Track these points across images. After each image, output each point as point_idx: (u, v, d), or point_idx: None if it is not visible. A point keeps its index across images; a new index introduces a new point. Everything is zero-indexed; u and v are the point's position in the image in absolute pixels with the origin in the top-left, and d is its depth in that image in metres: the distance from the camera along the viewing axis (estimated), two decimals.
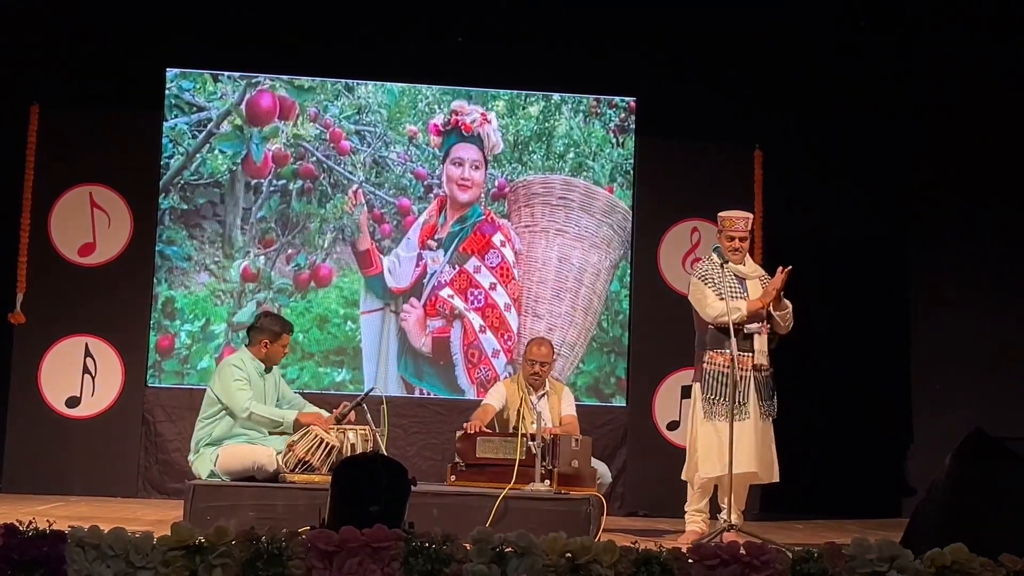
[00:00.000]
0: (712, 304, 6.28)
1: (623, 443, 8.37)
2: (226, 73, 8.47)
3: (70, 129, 8.30)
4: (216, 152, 8.42)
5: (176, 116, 8.41)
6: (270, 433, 6.30)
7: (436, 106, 8.58)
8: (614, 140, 8.65)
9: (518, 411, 6.61)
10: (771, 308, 6.33)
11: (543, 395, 6.85)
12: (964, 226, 8.54)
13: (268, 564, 3.13)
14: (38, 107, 8.23)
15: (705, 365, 6.34)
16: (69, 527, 3.23)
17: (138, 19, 8.30)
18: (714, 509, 6.49)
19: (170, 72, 8.41)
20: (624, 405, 8.47)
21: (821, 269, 8.16)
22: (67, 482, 7.94)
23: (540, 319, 8.51)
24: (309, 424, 6.17)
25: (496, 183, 8.57)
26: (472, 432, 6.41)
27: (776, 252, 7.83)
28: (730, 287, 6.32)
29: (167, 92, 8.39)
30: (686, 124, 8.57)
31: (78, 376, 8.14)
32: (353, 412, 6.35)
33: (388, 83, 8.55)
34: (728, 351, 6.04)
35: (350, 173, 8.50)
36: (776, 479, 6.40)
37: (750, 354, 6.26)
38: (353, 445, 6.08)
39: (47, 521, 3.27)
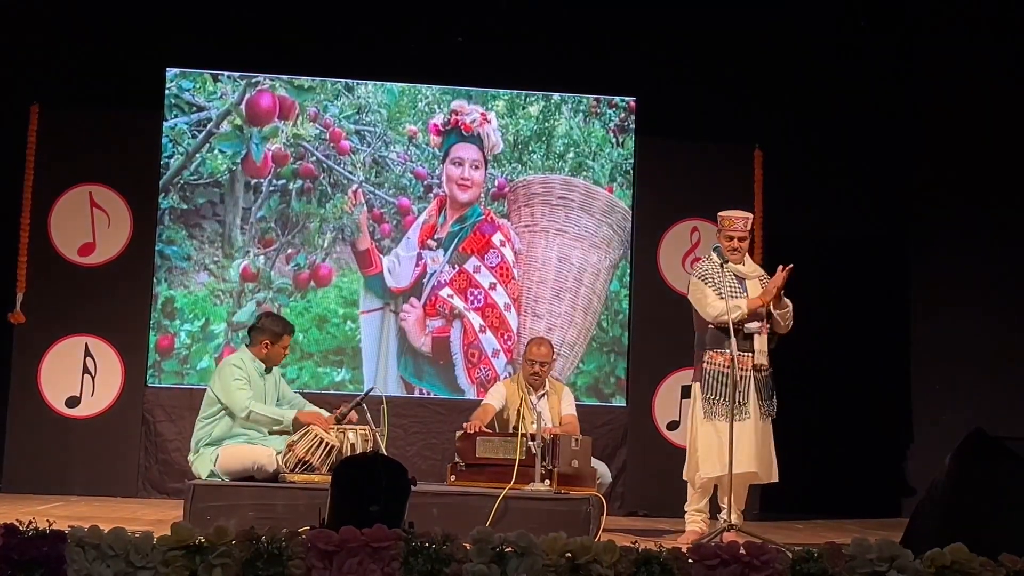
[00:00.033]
0: (712, 303, 6.28)
1: (623, 443, 8.37)
2: (226, 73, 8.47)
3: (70, 129, 8.31)
4: (216, 152, 8.42)
5: (176, 116, 8.41)
6: (270, 432, 6.30)
7: (436, 106, 8.58)
8: (614, 140, 8.66)
9: (518, 411, 6.61)
10: (771, 307, 6.33)
11: (543, 395, 6.85)
12: (964, 226, 8.54)
13: (268, 564, 3.13)
14: (38, 107, 8.23)
15: (705, 365, 6.34)
16: (69, 527, 3.23)
17: (138, 19, 8.30)
18: (714, 509, 6.49)
19: (170, 72, 8.41)
20: (624, 405, 8.47)
21: (821, 269, 8.16)
22: (67, 482, 7.94)
23: (540, 319, 8.51)
24: (308, 423, 6.17)
25: (496, 183, 8.57)
26: (472, 432, 6.41)
27: (776, 252, 7.83)
28: (730, 287, 6.31)
29: (167, 92, 8.39)
30: (686, 124, 8.57)
31: (78, 376, 8.14)
32: (353, 412, 6.35)
33: (388, 83, 8.55)
34: (728, 351, 6.04)
35: (350, 173, 8.50)
36: (775, 479, 6.40)
37: (750, 354, 6.26)
38: (353, 445, 6.08)
39: (47, 521, 3.27)
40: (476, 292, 8.47)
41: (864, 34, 8.75)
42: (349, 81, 8.53)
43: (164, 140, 8.37)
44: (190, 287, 8.35)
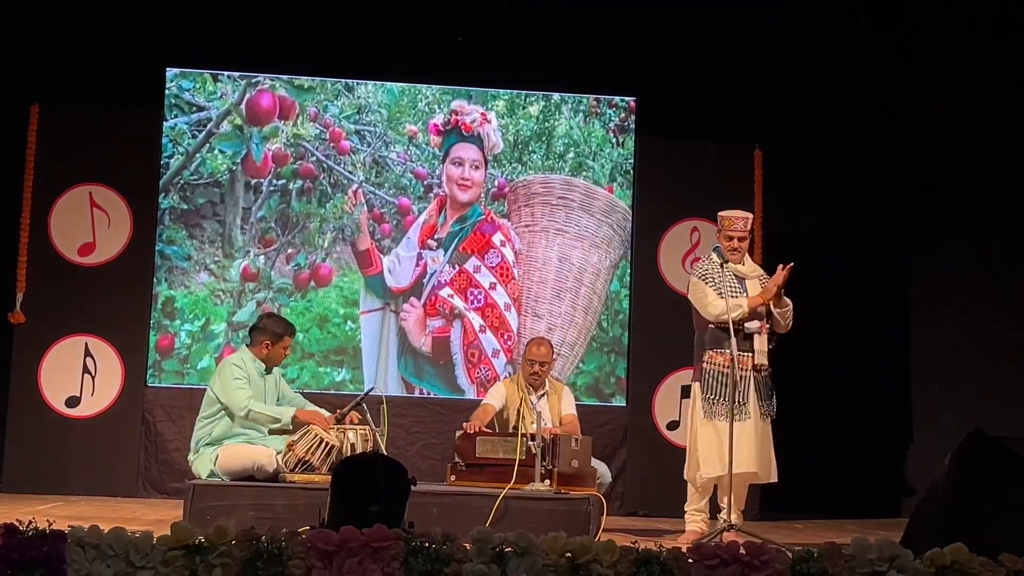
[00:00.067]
0: (713, 302, 6.28)
1: (623, 443, 8.37)
2: (226, 73, 8.47)
3: (70, 129, 8.30)
4: (216, 152, 8.42)
5: (176, 116, 8.41)
6: (270, 432, 6.30)
7: (436, 106, 8.58)
8: (614, 140, 8.66)
9: (518, 411, 6.61)
10: (772, 305, 6.33)
11: (543, 395, 6.85)
12: (964, 226, 8.54)
13: (268, 564, 3.13)
14: (38, 107, 8.23)
15: (705, 365, 6.34)
16: (69, 527, 3.23)
17: (138, 19, 8.30)
18: (714, 509, 6.49)
19: (170, 72, 8.41)
20: (624, 405, 8.47)
21: (821, 269, 8.16)
22: (67, 482, 7.94)
23: (540, 319, 8.51)
24: (308, 421, 6.18)
25: (496, 183, 8.57)
26: (472, 432, 6.41)
27: (776, 252, 7.83)
28: (730, 287, 6.31)
29: (167, 92, 8.39)
30: (686, 124, 8.57)
31: (78, 376, 8.14)
32: (353, 412, 6.35)
33: (388, 83, 8.55)
34: (728, 351, 6.04)
35: (350, 173, 8.50)
36: (775, 479, 6.40)
37: (750, 354, 6.26)
38: (353, 445, 6.08)
39: (47, 521, 3.27)
40: (476, 292, 8.47)
41: (864, 34, 8.75)
42: (349, 81, 8.53)
43: (164, 140, 8.37)
44: (190, 287, 8.35)
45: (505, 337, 8.46)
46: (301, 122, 8.47)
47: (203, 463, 6.22)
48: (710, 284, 6.34)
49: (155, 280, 8.32)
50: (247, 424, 6.25)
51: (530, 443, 6.09)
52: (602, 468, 6.70)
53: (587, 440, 6.41)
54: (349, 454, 5.89)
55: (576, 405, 7.05)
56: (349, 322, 8.41)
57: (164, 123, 8.37)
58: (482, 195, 8.55)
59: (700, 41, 8.60)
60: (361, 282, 8.45)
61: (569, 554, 3.20)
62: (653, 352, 8.37)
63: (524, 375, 6.88)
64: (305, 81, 8.51)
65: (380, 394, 6.76)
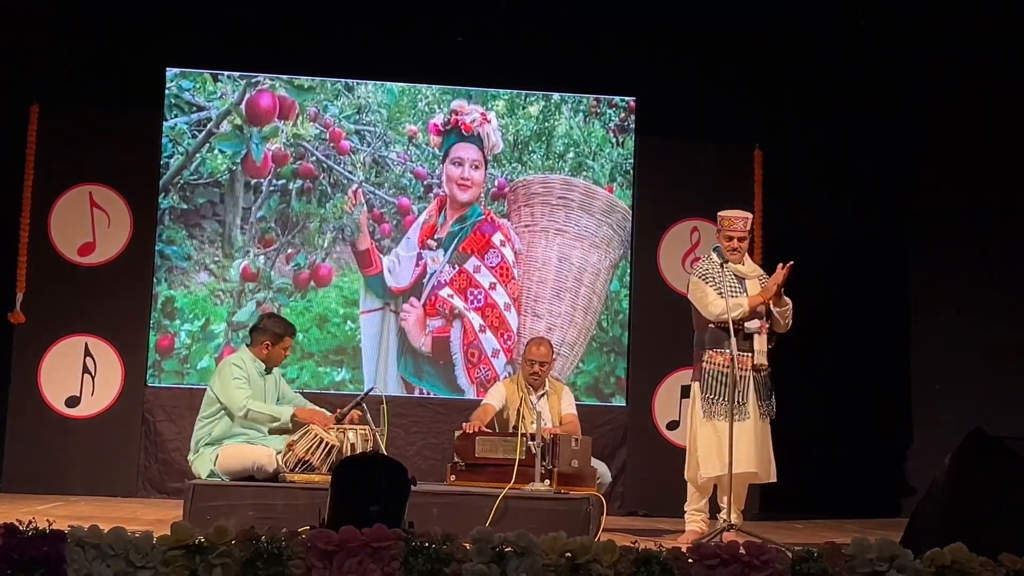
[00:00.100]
0: (713, 302, 6.28)
1: (623, 443, 8.37)
2: (226, 73, 8.47)
3: (70, 129, 8.30)
4: (216, 152, 8.43)
5: (176, 116, 8.41)
6: (270, 431, 6.30)
7: (436, 106, 8.58)
8: (614, 140, 8.66)
9: (518, 411, 6.61)
10: (771, 304, 6.33)
11: (543, 395, 6.85)
12: (964, 226, 8.54)
13: (268, 564, 3.13)
14: (38, 107, 8.23)
15: (704, 365, 6.34)
16: (69, 527, 3.23)
17: (138, 19, 8.30)
18: (714, 509, 6.49)
19: (170, 72, 8.41)
20: (624, 405, 8.47)
21: (821, 269, 8.15)
22: (67, 482, 7.94)
23: (540, 319, 8.51)
24: (306, 419, 6.19)
25: (496, 183, 8.57)
26: (471, 432, 6.41)
27: (776, 252, 7.81)
28: (730, 286, 6.31)
29: (167, 92, 8.39)
30: (686, 124, 8.57)
31: (78, 376, 8.14)
32: (353, 411, 6.35)
33: (388, 83, 8.55)
34: (728, 351, 6.04)
35: (350, 173, 8.50)
36: (774, 479, 6.40)
37: (750, 354, 6.26)
38: (353, 445, 6.08)
39: (47, 521, 3.27)
40: (476, 292, 8.47)
41: (864, 34, 8.75)
42: (349, 81, 8.53)
43: (164, 140, 8.37)
44: (190, 287, 8.35)
45: (505, 337, 8.46)
46: (301, 122, 8.47)
47: (203, 463, 6.22)
48: (710, 284, 6.34)
49: (155, 280, 8.32)
50: (247, 424, 6.25)
51: (530, 443, 6.09)
52: (602, 468, 6.69)
53: (587, 440, 6.41)
54: (349, 454, 5.89)
55: (576, 405, 7.05)
56: (349, 322, 8.41)
57: (164, 123, 8.37)
58: (482, 195, 8.55)
59: (700, 41, 8.60)
60: (361, 282, 8.45)
61: (569, 554, 3.20)
62: (653, 352, 8.37)
63: (524, 375, 6.88)
64: (305, 81, 8.51)
65: (380, 394, 6.76)
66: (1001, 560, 3.29)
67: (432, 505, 5.74)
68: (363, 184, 8.49)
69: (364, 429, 6.18)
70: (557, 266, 8.57)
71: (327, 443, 6.02)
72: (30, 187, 8.17)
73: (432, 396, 8.39)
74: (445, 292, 8.45)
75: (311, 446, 6.02)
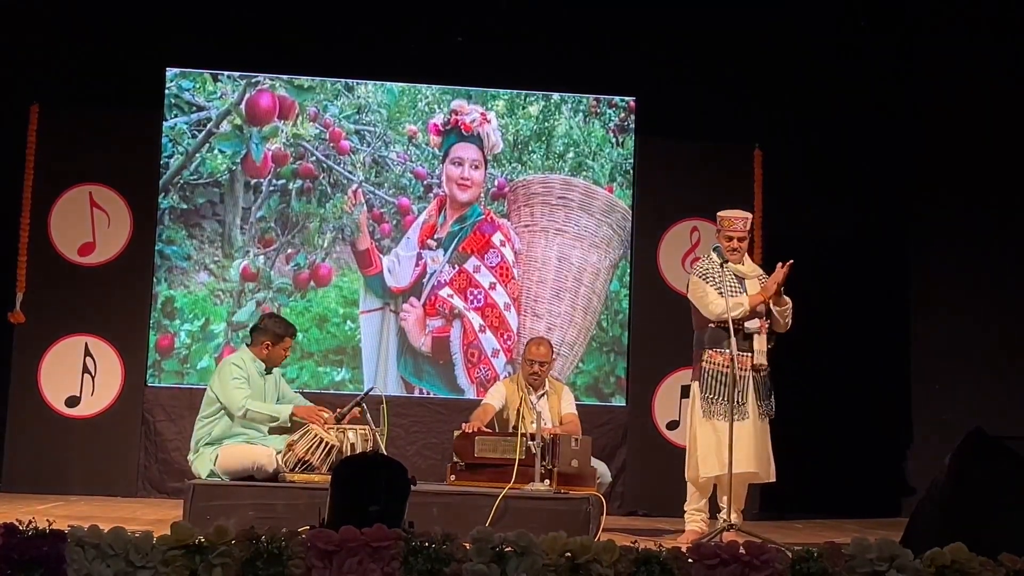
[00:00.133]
0: (714, 301, 6.28)
1: (623, 443, 8.37)
2: (226, 73, 8.47)
3: (70, 129, 8.31)
4: (216, 152, 8.43)
5: (176, 116, 8.41)
6: (270, 431, 6.30)
7: (436, 106, 8.58)
8: (614, 140, 8.66)
9: (518, 411, 6.61)
10: (771, 304, 6.33)
11: (543, 395, 6.85)
12: (964, 226, 8.54)
13: (268, 563, 3.13)
14: (38, 107, 8.23)
15: (704, 364, 6.34)
16: (69, 526, 3.23)
17: (138, 19, 8.30)
18: (713, 509, 6.49)
19: (170, 72, 8.41)
20: (624, 404, 8.47)
21: (821, 269, 8.15)
22: (67, 482, 7.94)
23: (540, 319, 8.51)
24: (305, 416, 6.19)
25: (496, 183, 8.57)
26: (470, 432, 6.41)
27: (776, 252, 7.80)
28: (730, 286, 6.31)
29: (167, 92, 8.39)
30: (686, 124, 8.56)
31: (78, 376, 8.14)
32: (353, 411, 6.35)
33: (388, 83, 8.55)
34: (728, 350, 6.04)
35: (350, 173, 8.50)
36: (773, 479, 6.40)
37: (749, 354, 6.26)
38: (353, 445, 6.08)
39: (47, 520, 3.26)
40: (476, 292, 8.47)
41: (864, 34, 8.74)
42: (349, 81, 8.53)
43: (164, 140, 8.37)
44: (190, 287, 8.35)
45: (505, 337, 8.46)
46: (301, 122, 8.47)
47: (203, 463, 6.22)
48: (710, 283, 6.34)
49: (155, 280, 8.32)
50: (247, 424, 6.26)
51: (530, 443, 6.09)
52: (602, 468, 6.70)
53: (587, 440, 6.41)
54: (349, 454, 5.89)
55: (576, 405, 7.05)
56: (349, 322, 8.41)
57: (164, 123, 8.37)
58: (482, 195, 8.55)
59: (700, 41, 8.60)
60: (361, 282, 8.45)
61: (569, 554, 3.20)
62: (653, 352, 8.37)
63: (524, 375, 6.88)
64: (305, 81, 8.51)
65: (380, 394, 6.77)
66: (1001, 560, 3.29)
67: (432, 505, 5.74)
68: (363, 184, 8.49)
69: (364, 429, 6.18)
70: (557, 266, 8.57)
71: (327, 443, 6.02)
72: (30, 187, 8.17)
73: (432, 396, 8.39)
74: (445, 292, 8.45)
75: (311, 446, 6.02)
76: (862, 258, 8.87)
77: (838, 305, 8.56)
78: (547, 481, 6.04)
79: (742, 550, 3.24)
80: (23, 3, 8.20)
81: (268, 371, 6.47)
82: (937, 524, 3.76)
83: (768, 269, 6.52)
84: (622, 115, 8.67)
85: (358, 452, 5.89)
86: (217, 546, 3.15)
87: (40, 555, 3.12)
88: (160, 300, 8.31)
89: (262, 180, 8.43)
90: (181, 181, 8.38)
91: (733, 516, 6.03)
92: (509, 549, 3.19)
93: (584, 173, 8.62)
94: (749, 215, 6.53)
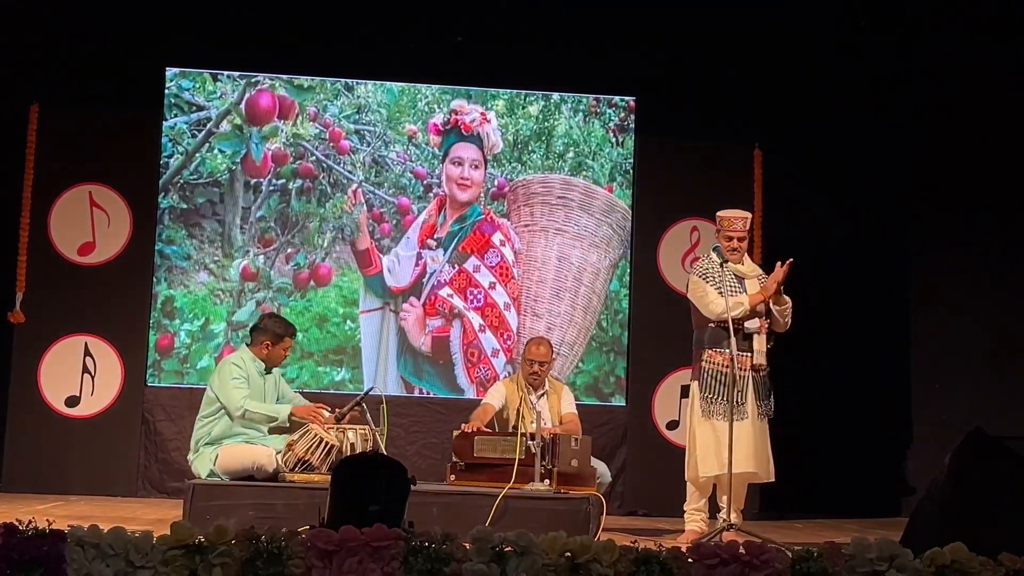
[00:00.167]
0: (714, 300, 6.28)
1: (623, 442, 8.37)
2: (225, 72, 8.47)
3: (70, 128, 8.31)
4: (215, 151, 8.43)
5: (176, 115, 8.41)
6: (269, 431, 6.30)
7: (436, 105, 8.58)
8: (613, 139, 8.66)
9: (517, 410, 6.61)
10: (771, 303, 6.33)
11: (542, 394, 6.85)
12: (964, 226, 8.54)
13: (268, 563, 3.13)
14: (38, 107, 8.23)
15: (704, 364, 6.34)
16: (69, 526, 3.23)
17: (138, 19, 8.30)
18: (713, 508, 6.49)
19: (170, 71, 8.41)
20: (624, 404, 8.47)
21: (821, 269, 8.15)
22: (67, 481, 7.94)
23: (539, 318, 8.51)
24: (304, 416, 6.20)
25: (495, 182, 8.57)
26: (469, 432, 6.41)
27: (776, 252, 7.79)
28: (730, 286, 6.30)
29: (167, 91, 8.39)
30: (686, 124, 8.57)
31: (78, 375, 8.14)
32: (353, 411, 6.35)
33: (388, 82, 8.55)
34: (727, 350, 6.04)
35: (349, 172, 8.50)
36: (772, 479, 6.40)
37: (749, 354, 6.26)
38: (353, 445, 6.08)
39: (47, 520, 3.26)
40: (476, 291, 8.47)
41: (864, 34, 8.74)
42: (349, 81, 8.53)
43: (164, 140, 8.37)
44: (190, 287, 8.35)
45: (505, 337, 8.46)
46: (301, 122, 8.47)
47: (203, 462, 6.22)
48: (710, 283, 6.34)
49: (155, 280, 8.32)
50: (246, 423, 6.26)
51: (530, 443, 6.09)
52: (602, 468, 6.69)
53: (587, 440, 6.41)
54: (349, 454, 5.89)
55: (576, 405, 7.05)
56: (348, 322, 8.41)
57: (164, 123, 8.38)
58: (481, 195, 8.55)
59: (700, 41, 8.60)
60: (361, 282, 8.45)
61: (569, 554, 3.20)
62: (653, 352, 8.37)
63: (524, 375, 6.88)
64: (305, 81, 8.51)
65: (380, 394, 6.77)
66: (1001, 560, 3.29)
67: (432, 505, 5.74)
68: (363, 184, 8.49)
69: (364, 429, 6.18)
70: (557, 266, 8.57)
71: (327, 443, 6.02)
72: (30, 187, 8.17)
73: (432, 396, 8.39)
74: (445, 292, 8.45)
75: (311, 446, 6.02)
76: (862, 258, 8.87)
77: (838, 305, 8.56)
78: (547, 481, 6.04)
79: (742, 550, 3.24)
80: (23, 3, 8.20)
81: (268, 371, 6.47)
82: (937, 524, 3.76)
83: (768, 269, 6.52)
84: (622, 115, 8.67)
85: (358, 452, 5.89)
86: (217, 546, 3.15)
87: (40, 555, 3.12)
88: (160, 300, 8.31)
89: (262, 180, 8.44)
90: (181, 181, 8.38)
91: (733, 516, 6.03)
92: (509, 549, 3.19)
93: (584, 173, 8.62)
94: (749, 215, 6.53)
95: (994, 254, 8.38)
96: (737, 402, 6.14)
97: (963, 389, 8.31)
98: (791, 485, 6.72)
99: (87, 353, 8.16)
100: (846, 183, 8.79)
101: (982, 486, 3.83)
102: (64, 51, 8.32)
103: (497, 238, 8.53)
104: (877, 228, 8.97)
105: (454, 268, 8.47)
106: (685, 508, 6.49)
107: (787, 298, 6.38)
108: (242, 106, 8.44)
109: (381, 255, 8.46)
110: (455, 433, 6.51)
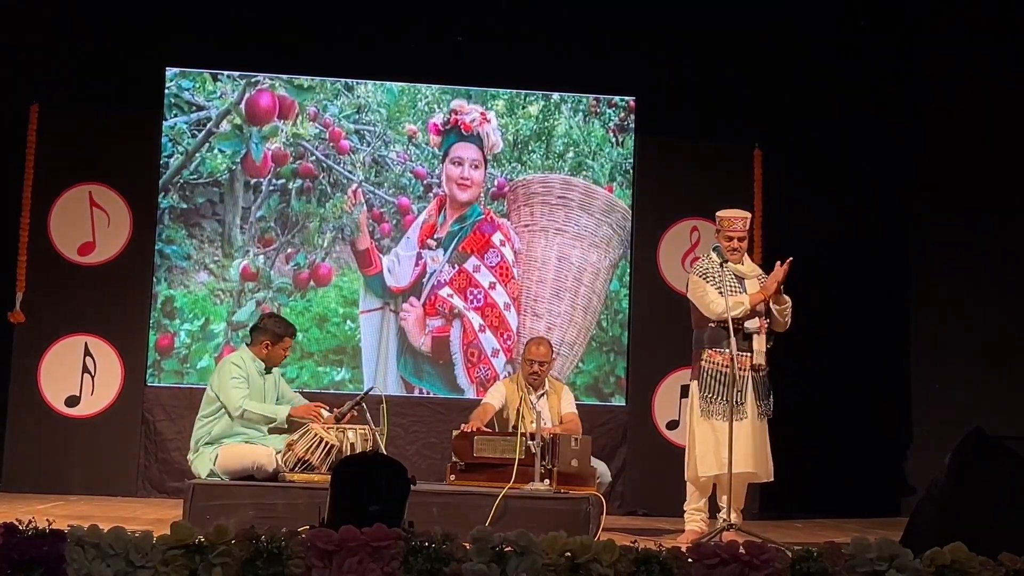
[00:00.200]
0: (714, 300, 6.28)
1: (623, 442, 8.37)
2: (225, 72, 8.47)
3: (70, 128, 8.31)
4: (215, 151, 8.42)
5: (176, 115, 8.41)
6: (269, 431, 6.30)
7: (436, 105, 8.58)
8: (613, 139, 8.66)
9: (517, 410, 6.61)
10: (771, 302, 6.33)
11: (542, 394, 6.85)
12: (964, 226, 8.54)
13: (268, 563, 3.13)
14: (38, 107, 8.23)
15: (703, 364, 6.34)
16: (69, 526, 3.22)
17: (138, 19, 8.30)
18: (713, 508, 6.49)
19: (170, 71, 8.41)
20: (624, 404, 8.48)
21: (821, 269, 8.15)
22: (67, 481, 7.94)
23: (539, 318, 8.51)
24: (303, 416, 6.20)
25: (495, 182, 8.57)
26: (469, 432, 6.41)
27: (776, 252, 7.79)
28: (730, 286, 6.31)
29: (166, 91, 8.39)
30: (686, 124, 8.57)
31: (77, 375, 8.14)
32: (353, 411, 6.35)
33: (388, 82, 8.55)
34: (727, 350, 6.04)
35: (349, 172, 8.50)
36: (771, 478, 6.41)
37: (749, 354, 6.27)
38: (353, 444, 6.08)
39: (47, 520, 3.26)
40: (476, 291, 8.47)
41: (864, 34, 8.74)
42: (349, 81, 8.53)
43: (164, 139, 8.37)
44: (190, 286, 8.35)
45: (505, 336, 8.46)
46: (301, 122, 8.47)
47: (202, 462, 6.22)
48: (710, 282, 6.34)
49: (155, 280, 8.32)
50: (246, 423, 6.26)
51: (529, 443, 6.09)
52: (602, 468, 6.69)
53: (587, 440, 6.41)
54: (349, 454, 5.89)
55: (576, 404, 7.05)
56: (348, 322, 8.41)
57: (164, 123, 8.38)
58: (481, 195, 8.55)
59: (700, 41, 8.60)
60: (360, 282, 8.45)
61: (569, 553, 3.20)
62: (652, 351, 8.37)
63: (524, 375, 6.87)
64: (305, 81, 8.51)
65: (379, 394, 6.77)
66: (1001, 560, 3.29)
67: (432, 505, 5.74)
68: (363, 184, 8.50)
69: (364, 429, 6.18)
70: (557, 266, 8.57)
71: (327, 443, 6.02)
72: (30, 187, 8.17)
73: (432, 396, 8.39)
74: (445, 292, 8.45)
75: (311, 446, 6.02)
76: (862, 258, 8.87)
77: (838, 305, 8.56)
78: (547, 481, 6.04)
79: (742, 550, 3.24)
80: (23, 3, 8.20)
81: (268, 371, 6.47)
82: (937, 524, 3.76)
83: (768, 269, 6.52)
84: (622, 115, 8.67)
85: (358, 452, 5.89)
86: (217, 546, 3.15)
87: (40, 555, 3.12)
88: (160, 300, 8.32)
89: (262, 180, 8.44)
90: (181, 181, 8.38)
91: (733, 516, 6.03)
92: (509, 549, 3.18)
93: (584, 173, 8.62)
94: (748, 215, 6.54)
95: (994, 254, 8.38)
96: (737, 402, 6.14)
97: (963, 389, 8.31)
98: (791, 485, 6.72)
99: (87, 353, 8.16)
100: (846, 183, 8.80)
101: (982, 486, 3.83)
102: (64, 51, 8.32)
103: (497, 238, 8.53)
104: (877, 228, 8.97)
105: (454, 268, 8.47)
106: (685, 508, 6.49)
107: (787, 298, 6.38)
108: (242, 106, 8.44)
109: (381, 255, 8.46)
110: (455, 433, 6.51)
